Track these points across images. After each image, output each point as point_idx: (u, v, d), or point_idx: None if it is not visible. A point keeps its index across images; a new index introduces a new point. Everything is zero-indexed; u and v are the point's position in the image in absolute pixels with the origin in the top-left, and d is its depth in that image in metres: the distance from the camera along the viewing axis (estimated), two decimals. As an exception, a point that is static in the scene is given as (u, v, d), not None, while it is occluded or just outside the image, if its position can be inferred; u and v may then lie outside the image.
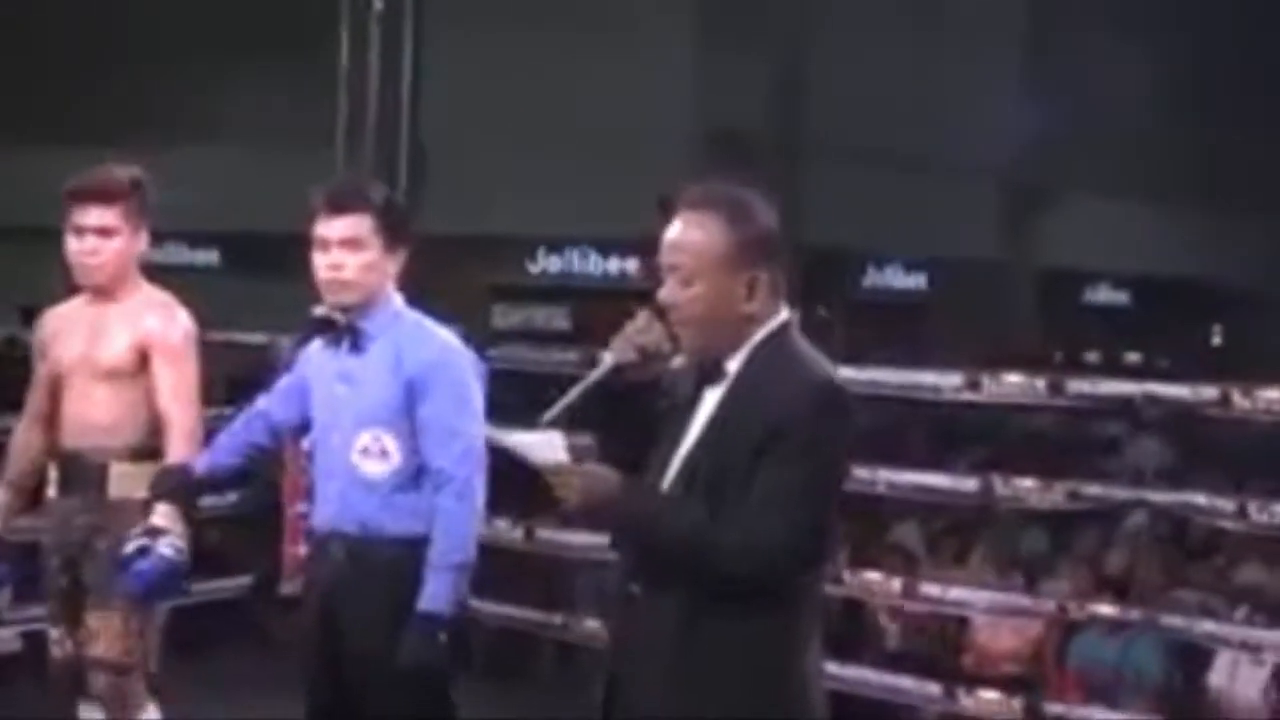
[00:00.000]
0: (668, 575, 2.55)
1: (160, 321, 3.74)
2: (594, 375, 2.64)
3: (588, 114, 12.83)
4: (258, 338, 5.80)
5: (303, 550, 3.73)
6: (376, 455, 3.35)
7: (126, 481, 3.67)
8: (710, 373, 2.62)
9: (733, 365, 2.59)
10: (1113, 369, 13.23)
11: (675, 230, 2.59)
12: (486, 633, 5.87)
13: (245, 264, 13.82)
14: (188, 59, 13.46)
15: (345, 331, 3.40)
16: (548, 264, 14.64)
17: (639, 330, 2.63)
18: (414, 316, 3.44)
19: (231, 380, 5.57)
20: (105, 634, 3.66)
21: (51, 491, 3.80)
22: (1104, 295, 17.66)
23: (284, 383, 3.58)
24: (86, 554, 3.70)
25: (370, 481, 3.35)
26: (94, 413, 3.71)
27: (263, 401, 3.58)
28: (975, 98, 14.20)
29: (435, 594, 3.28)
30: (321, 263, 3.36)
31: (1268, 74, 15.13)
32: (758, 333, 2.59)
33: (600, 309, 13.61)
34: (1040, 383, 4.91)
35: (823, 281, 12.67)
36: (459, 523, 3.32)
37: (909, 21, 13.88)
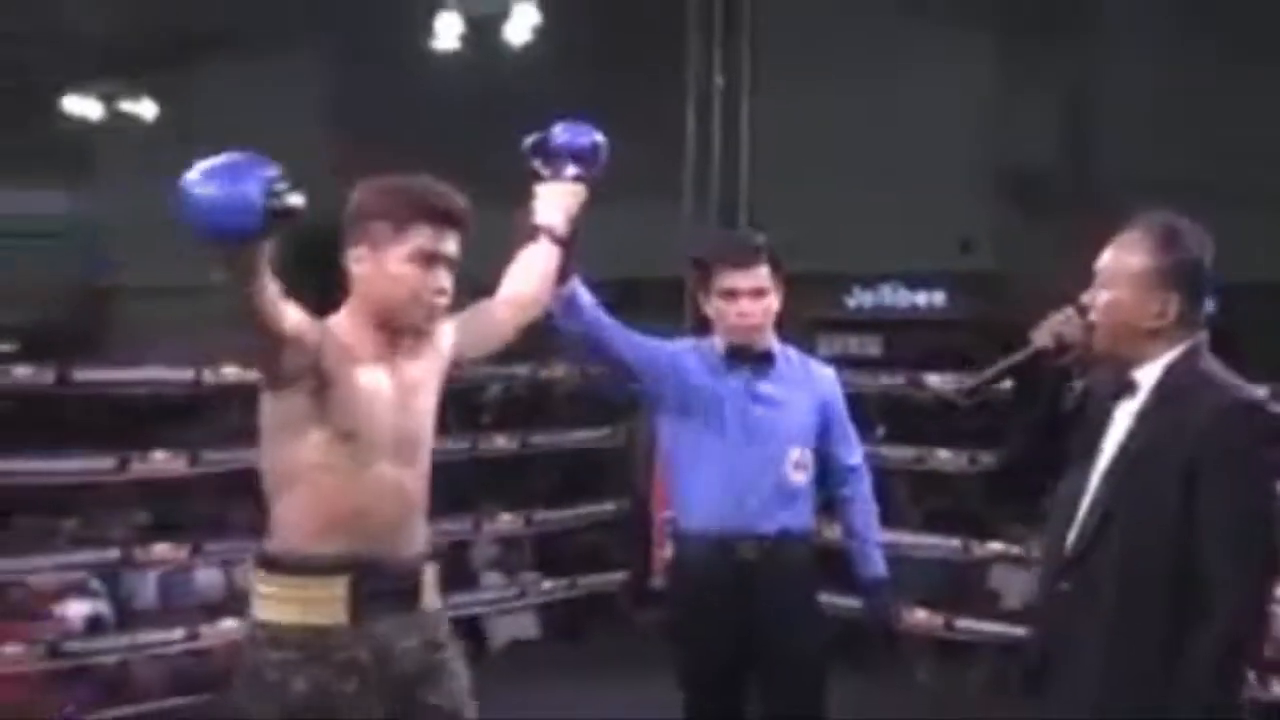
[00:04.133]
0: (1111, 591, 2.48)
1: None
2: (1017, 356, 2.64)
3: (895, 161, 12.72)
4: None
5: (667, 551, 3.73)
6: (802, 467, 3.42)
7: None
8: (1124, 386, 2.54)
9: (1144, 379, 2.51)
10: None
11: (1112, 245, 2.58)
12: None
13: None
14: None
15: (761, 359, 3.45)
16: (863, 299, 14.55)
17: (1060, 322, 2.60)
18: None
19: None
20: None
21: None
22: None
23: (652, 344, 3.51)
24: None
25: (796, 489, 3.42)
26: None
27: (631, 334, 3.51)
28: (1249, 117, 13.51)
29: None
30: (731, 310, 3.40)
31: None
32: (1167, 352, 2.50)
33: (908, 338, 13.50)
34: None
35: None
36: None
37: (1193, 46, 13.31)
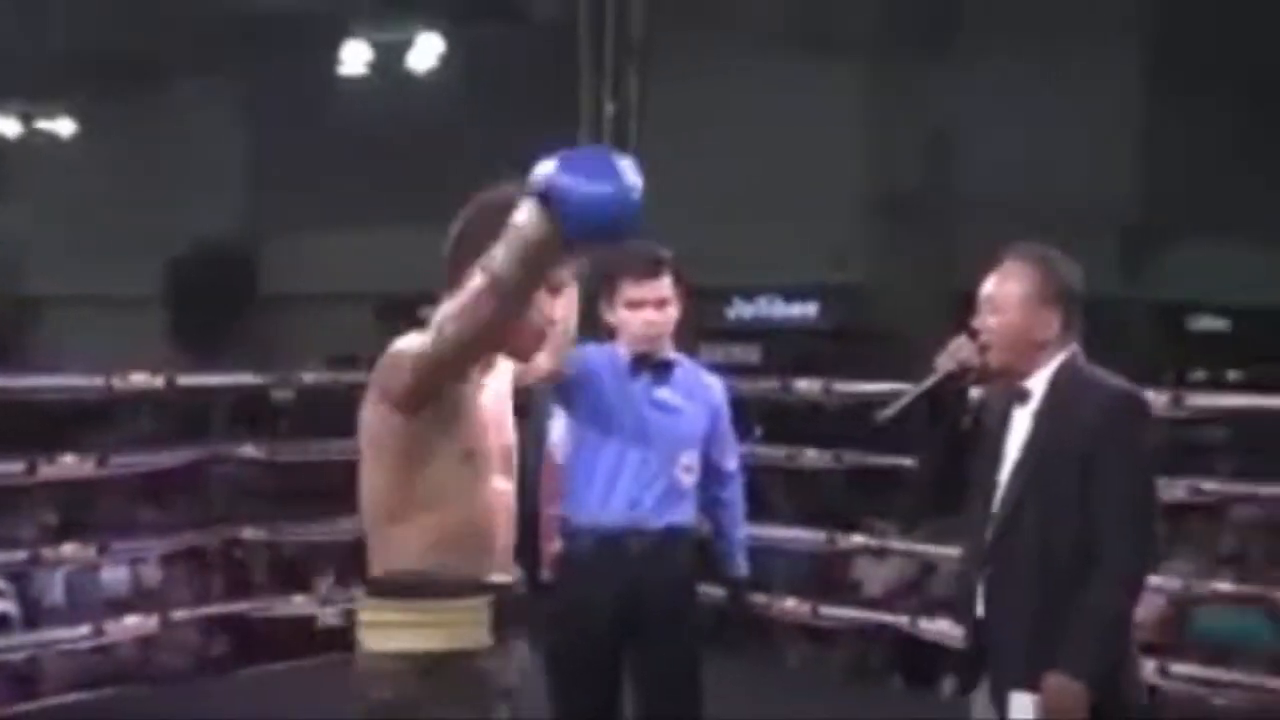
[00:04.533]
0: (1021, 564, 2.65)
1: None
2: (927, 382, 2.74)
3: (774, 182, 12.87)
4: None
5: (556, 546, 3.72)
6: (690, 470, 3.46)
7: None
8: (1018, 394, 2.70)
9: (1035, 386, 2.67)
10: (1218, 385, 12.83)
11: (996, 275, 2.74)
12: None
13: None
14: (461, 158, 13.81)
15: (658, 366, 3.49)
16: (743, 310, 14.68)
17: (958, 347, 2.73)
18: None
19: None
20: None
21: None
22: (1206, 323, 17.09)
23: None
24: None
25: (684, 490, 3.47)
26: None
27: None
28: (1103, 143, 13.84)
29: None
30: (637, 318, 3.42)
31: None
32: (1052, 361, 2.68)
33: (784, 346, 13.65)
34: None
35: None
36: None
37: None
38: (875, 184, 13.50)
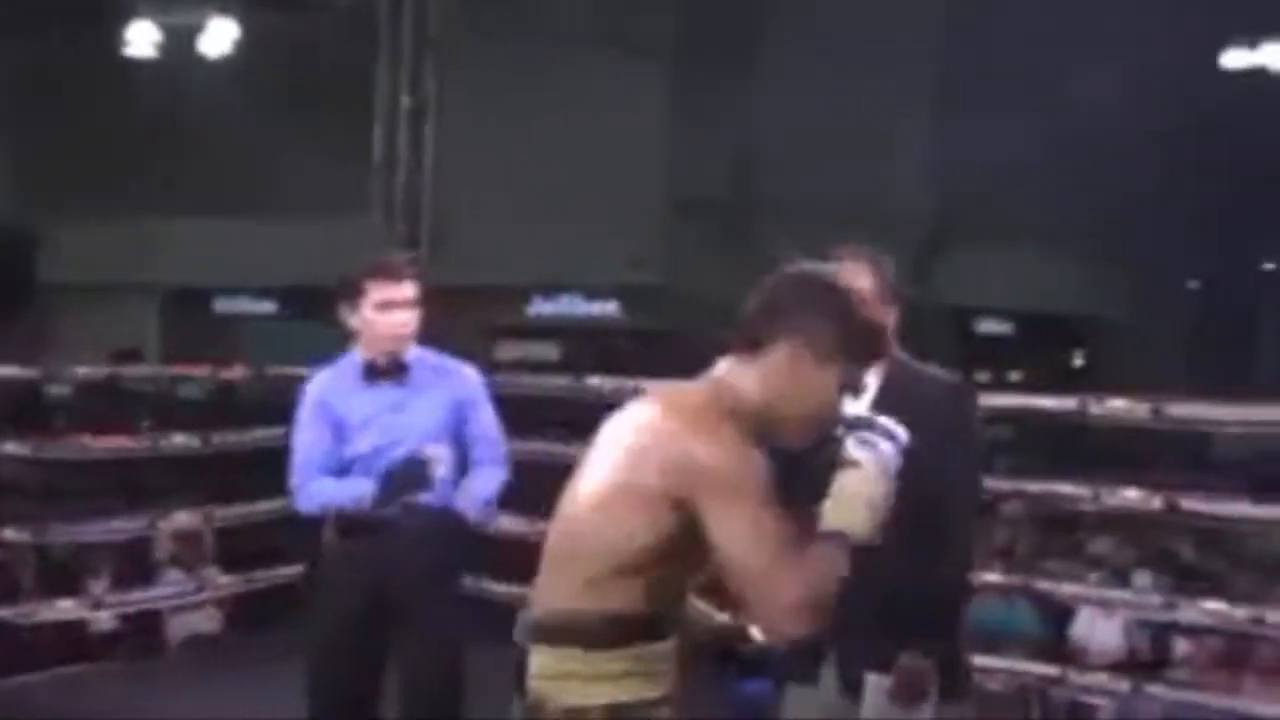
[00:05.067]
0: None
1: None
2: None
3: (574, 181, 12.92)
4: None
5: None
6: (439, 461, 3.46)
7: None
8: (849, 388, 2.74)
9: (870, 380, 2.69)
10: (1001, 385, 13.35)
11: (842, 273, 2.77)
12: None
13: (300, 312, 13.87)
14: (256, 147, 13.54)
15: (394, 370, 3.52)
16: (542, 308, 14.72)
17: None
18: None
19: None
20: None
21: None
22: (990, 326, 17.76)
23: (319, 431, 3.56)
24: None
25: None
26: None
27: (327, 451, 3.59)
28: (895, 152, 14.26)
29: None
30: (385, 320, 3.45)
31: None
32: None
33: (584, 344, 13.73)
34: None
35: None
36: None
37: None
38: (677, 186, 13.66)
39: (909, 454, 2.47)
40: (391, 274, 3.48)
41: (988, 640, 5.59)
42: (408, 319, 3.49)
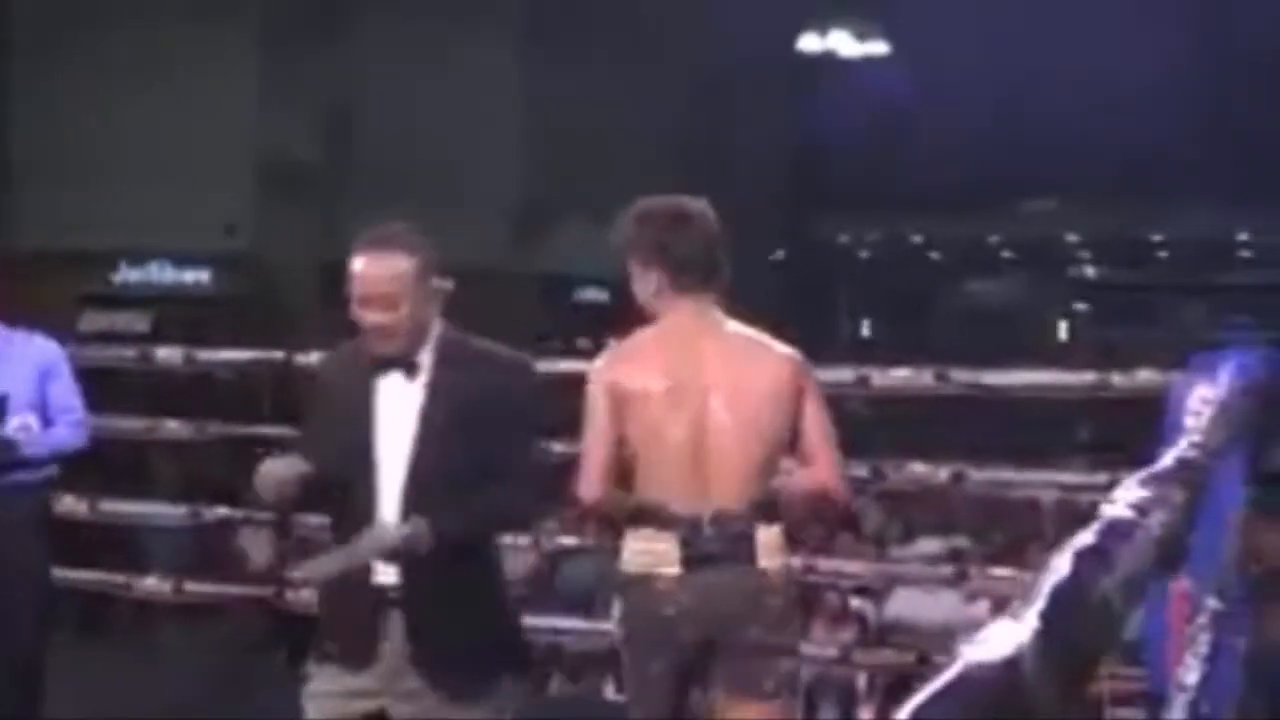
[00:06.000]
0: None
1: None
2: (357, 558, 2.64)
3: (165, 147, 12.54)
4: None
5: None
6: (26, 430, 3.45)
7: None
8: (406, 367, 2.68)
9: (424, 359, 2.66)
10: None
11: (377, 261, 2.68)
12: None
13: None
14: None
15: None
16: (129, 275, 14.15)
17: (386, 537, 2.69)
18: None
19: None
20: None
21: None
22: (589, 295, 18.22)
23: None
24: None
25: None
26: None
27: None
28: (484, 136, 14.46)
29: None
30: None
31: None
32: (434, 332, 2.68)
33: (176, 314, 13.30)
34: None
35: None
36: None
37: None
38: (269, 153, 13.42)
39: (461, 428, 2.58)
40: None
41: (580, 601, 5.79)
42: None
